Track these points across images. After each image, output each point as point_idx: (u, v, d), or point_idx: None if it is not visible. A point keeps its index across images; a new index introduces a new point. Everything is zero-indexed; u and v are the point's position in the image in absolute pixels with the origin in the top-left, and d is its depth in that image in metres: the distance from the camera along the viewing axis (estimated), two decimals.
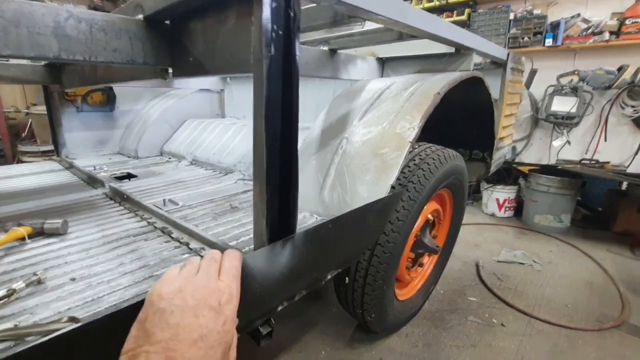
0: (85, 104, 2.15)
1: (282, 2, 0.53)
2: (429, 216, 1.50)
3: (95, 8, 3.93)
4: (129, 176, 1.68)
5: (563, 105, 3.50)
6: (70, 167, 1.85)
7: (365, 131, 1.08)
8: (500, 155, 2.00)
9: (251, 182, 1.42)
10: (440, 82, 1.13)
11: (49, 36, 0.63)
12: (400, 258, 1.32)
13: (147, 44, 0.76)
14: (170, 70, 0.83)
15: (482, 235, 2.86)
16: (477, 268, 2.27)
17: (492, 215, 3.35)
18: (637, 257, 2.47)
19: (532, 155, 4.14)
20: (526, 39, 3.86)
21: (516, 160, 4.26)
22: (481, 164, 1.94)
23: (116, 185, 1.40)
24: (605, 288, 2.08)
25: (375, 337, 1.56)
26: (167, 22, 0.79)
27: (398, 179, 1.08)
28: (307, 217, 1.09)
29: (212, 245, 0.84)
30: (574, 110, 3.39)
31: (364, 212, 0.87)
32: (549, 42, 3.78)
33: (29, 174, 1.69)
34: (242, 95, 2.41)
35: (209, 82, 2.41)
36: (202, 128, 2.14)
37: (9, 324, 0.52)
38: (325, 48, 1.30)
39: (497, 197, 3.27)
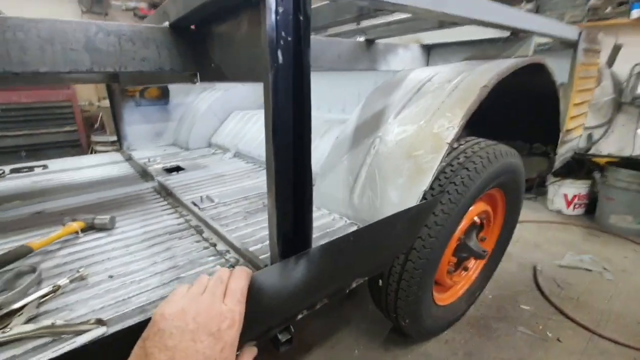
0: (142, 99, 2.32)
1: (290, 7, 0.49)
2: (476, 219, 1.37)
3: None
4: (177, 169, 1.79)
5: None
6: (129, 159, 2.02)
7: (400, 130, 1.00)
8: (567, 149, 1.76)
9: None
10: (488, 73, 1.00)
11: (80, 51, 0.67)
12: (439, 263, 1.23)
13: (173, 51, 0.77)
14: (198, 75, 0.84)
15: (544, 235, 2.58)
16: (534, 272, 2.06)
17: (559, 212, 3.00)
18: None
19: (612, 144, 3.62)
20: (608, 10, 3.28)
21: (591, 150, 3.76)
22: (543, 159, 1.72)
23: (163, 179, 1.49)
24: None
25: (412, 341, 1.50)
26: (192, 27, 0.79)
27: (438, 179, 1.00)
28: (336, 220, 1.06)
29: (235, 249, 0.86)
30: None
31: (391, 222, 0.81)
32: (636, 13, 3.16)
33: (95, 166, 1.89)
34: None
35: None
36: (246, 120, 2.19)
37: (47, 322, 0.58)
38: (362, 39, 1.22)
39: (565, 192, 2.92)
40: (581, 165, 2.93)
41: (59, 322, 0.58)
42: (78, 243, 0.93)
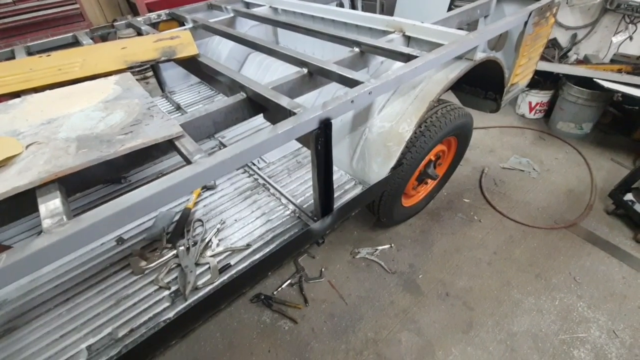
0: None
1: None
2: (432, 157, 2.11)
3: None
4: None
5: None
6: (178, 107, 2.59)
7: (380, 125, 1.64)
8: (512, 94, 2.32)
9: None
10: (438, 86, 1.56)
11: None
12: (406, 186, 2.04)
13: None
14: None
15: (501, 140, 3.31)
16: (481, 174, 2.89)
17: (522, 116, 3.64)
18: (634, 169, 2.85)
19: (592, 45, 3.97)
20: None
21: (572, 50, 4.09)
22: (493, 102, 2.31)
23: (220, 137, 2.16)
24: (581, 195, 2.65)
25: (387, 225, 2.45)
26: None
27: (415, 132, 1.68)
28: (342, 175, 1.81)
29: (292, 203, 1.64)
30: None
31: (379, 184, 1.59)
32: None
33: None
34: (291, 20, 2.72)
35: (263, 11, 2.69)
36: (265, 66, 2.63)
37: (221, 248, 1.42)
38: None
39: (530, 100, 3.48)
40: (547, 77, 3.38)
41: (231, 246, 1.43)
42: (203, 199, 1.72)
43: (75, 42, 2.18)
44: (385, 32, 1.93)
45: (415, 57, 1.41)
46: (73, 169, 0.89)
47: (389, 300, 2.01)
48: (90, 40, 2.06)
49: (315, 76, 1.51)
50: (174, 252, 1.43)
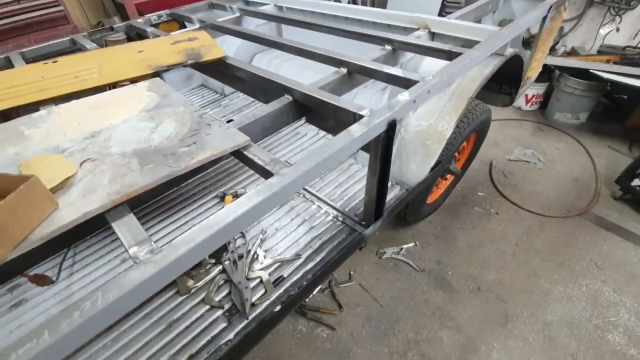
0: None
1: None
2: (456, 153, 2.11)
3: None
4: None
5: None
6: None
7: (417, 123, 1.61)
8: (525, 88, 2.36)
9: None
10: (474, 83, 1.55)
11: None
12: (434, 184, 2.03)
13: None
14: None
15: (502, 133, 3.39)
16: (490, 167, 2.94)
17: (519, 108, 3.73)
18: (631, 155, 2.99)
19: (578, 37, 4.11)
20: None
21: (559, 43, 4.23)
22: (507, 96, 2.34)
23: None
24: (587, 183, 2.75)
25: (409, 223, 2.44)
26: None
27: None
28: None
29: (334, 208, 1.58)
30: None
31: (422, 182, 1.57)
32: None
33: None
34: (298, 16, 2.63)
35: (269, 8, 2.59)
36: (275, 65, 2.54)
37: (270, 260, 1.35)
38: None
39: (526, 92, 3.58)
40: (543, 69, 3.47)
41: (278, 257, 1.36)
42: None
43: (74, 47, 2.02)
44: (407, 29, 1.91)
45: (458, 53, 1.39)
46: (145, 187, 0.80)
47: (422, 299, 2.00)
48: (94, 45, 1.91)
49: (354, 75, 1.46)
50: (220, 267, 1.34)
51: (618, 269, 2.09)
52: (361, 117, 1.04)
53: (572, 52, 3.92)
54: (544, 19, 1.89)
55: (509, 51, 1.66)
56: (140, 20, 2.29)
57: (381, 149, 1.12)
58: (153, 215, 1.61)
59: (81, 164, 0.87)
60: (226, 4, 2.43)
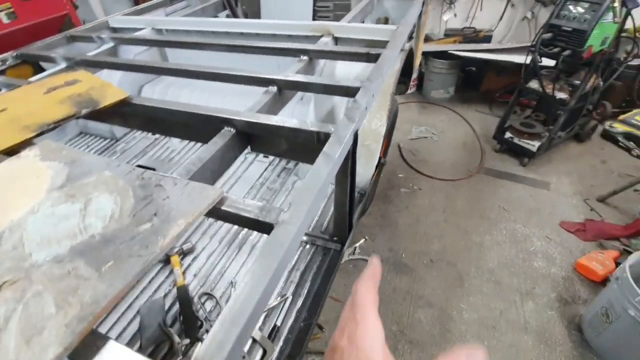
0: None
1: None
2: None
3: None
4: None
5: None
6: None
7: None
8: (414, 75, 2.66)
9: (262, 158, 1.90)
10: (390, 79, 1.66)
11: None
12: None
13: None
14: None
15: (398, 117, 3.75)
16: (399, 149, 3.24)
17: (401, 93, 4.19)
18: (492, 114, 3.69)
19: (428, 25, 4.78)
20: None
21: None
22: (402, 85, 2.60)
23: None
24: (473, 144, 3.28)
25: None
26: None
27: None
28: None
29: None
30: None
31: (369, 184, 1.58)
32: None
33: None
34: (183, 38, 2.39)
35: (147, 33, 2.29)
36: (159, 92, 2.25)
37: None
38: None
39: None
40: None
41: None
42: (188, 268, 1.38)
43: None
44: (310, 37, 1.91)
45: (377, 54, 1.45)
46: (118, 295, 0.58)
47: (390, 288, 2.07)
48: None
49: (284, 92, 1.39)
50: (199, 344, 1.11)
51: (519, 207, 2.56)
52: (327, 135, 0.98)
53: (427, 39, 4.59)
54: (420, 13, 2.14)
55: (407, 46, 1.82)
56: None
57: (350, 162, 1.08)
58: None
59: None
60: (91, 34, 2.03)
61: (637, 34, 2.71)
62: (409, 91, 4.15)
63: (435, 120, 3.66)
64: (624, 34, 2.49)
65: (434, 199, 2.68)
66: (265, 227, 0.75)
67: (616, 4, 2.13)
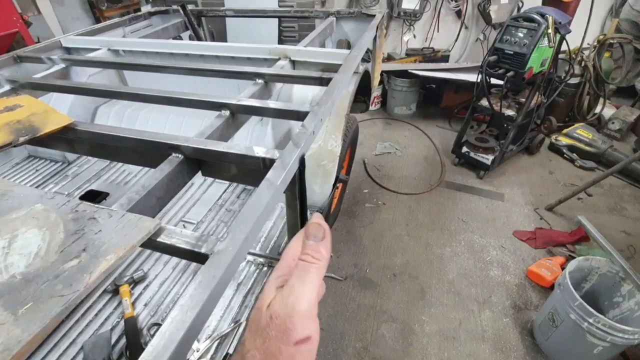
0: None
1: None
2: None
3: None
4: (96, 195, 1.89)
5: (410, 3, 4.21)
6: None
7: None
8: (373, 95, 2.76)
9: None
10: (345, 100, 1.72)
11: None
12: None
13: None
14: None
15: (362, 133, 3.84)
16: (364, 165, 3.31)
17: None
18: (452, 129, 3.87)
19: (389, 45, 5.00)
20: None
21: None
22: (363, 104, 2.69)
23: None
24: (434, 158, 3.41)
25: None
26: None
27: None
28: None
29: (252, 254, 1.48)
30: (417, 7, 4.15)
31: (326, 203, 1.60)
32: None
33: None
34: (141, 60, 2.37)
35: (102, 54, 2.25)
36: (115, 115, 2.20)
37: (207, 341, 1.17)
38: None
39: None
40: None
41: (214, 334, 1.18)
42: (139, 297, 1.33)
43: None
44: (268, 60, 1.95)
45: (329, 79, 1.51)
46: (34, 340, 0.56)
47: (354, 305, 2.09)
48: None
49: (238, 116, 1.40)
50: None
51: (476, 218, 2.68)
52: (272, 161, 1.00)
53: (389, 58, 4.80)
54: (375, 38, 2.25)
55: (361, 68, 1.90)
56: None
57: (298, 186, 1.10)
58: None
59: None
60: (41, 55, 1.97)
61: (572, 56, 2.97)
62: (373, 108, 4.29)
63: (399, 136, 3.79)
64: (561, 56, 2.73)
65: (398, 213, 2.76)
66: (200, 258, 0.75)
67: (550, 31, 2.34)
